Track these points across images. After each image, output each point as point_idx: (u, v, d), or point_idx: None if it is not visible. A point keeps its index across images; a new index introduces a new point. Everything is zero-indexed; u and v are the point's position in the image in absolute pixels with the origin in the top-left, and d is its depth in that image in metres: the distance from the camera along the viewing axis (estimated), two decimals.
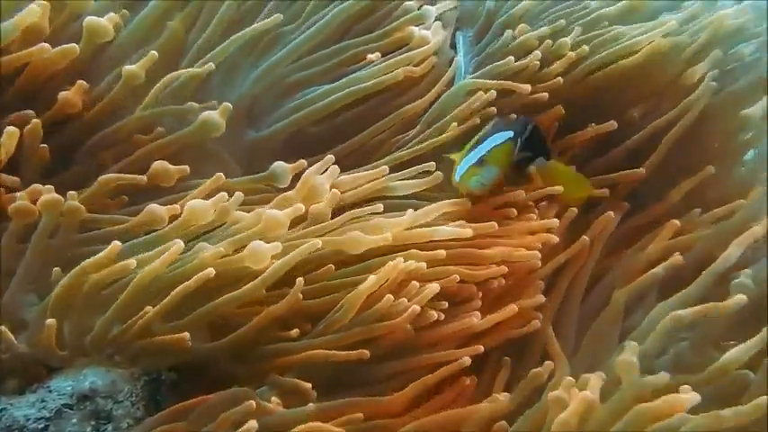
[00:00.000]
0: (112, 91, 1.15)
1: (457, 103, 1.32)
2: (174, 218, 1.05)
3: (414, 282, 1.07)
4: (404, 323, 1.05)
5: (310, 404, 1.00)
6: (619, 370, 0.94)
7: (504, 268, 1.15)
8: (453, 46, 1.45)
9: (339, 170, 1.13)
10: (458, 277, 1.10)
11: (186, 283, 0.98)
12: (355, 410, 1.01)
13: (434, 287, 1.07)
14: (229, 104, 1.14)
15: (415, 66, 1.34)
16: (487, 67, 1.36)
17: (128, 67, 1.13)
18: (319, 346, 1.04)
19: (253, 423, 0.93)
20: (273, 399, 1.00)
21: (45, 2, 1.09)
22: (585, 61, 1.38)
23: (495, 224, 1.20)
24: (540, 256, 1.19)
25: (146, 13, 1.21)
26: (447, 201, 1.20)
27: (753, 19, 1.46)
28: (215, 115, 1.14)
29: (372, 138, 1.33)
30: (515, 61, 1.34)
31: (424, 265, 1.08)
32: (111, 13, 1.14)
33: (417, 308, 1.04)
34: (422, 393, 1.07)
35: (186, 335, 0.99)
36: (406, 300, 1.06)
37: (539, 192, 1.28)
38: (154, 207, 1.05)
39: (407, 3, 1.38)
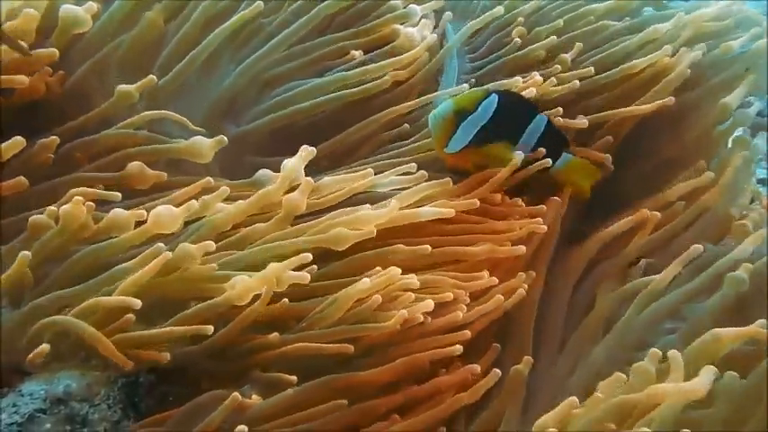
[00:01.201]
0: (103, 105, 1.12)
1: None
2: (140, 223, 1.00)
3: (409, 293, 1.05)
4: (393, 326, 1.02)
5: (289, 389, 0.97)
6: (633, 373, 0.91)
7: (495, 279, 1.13)
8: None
9: (315, 151, 1.09)
10: (451, 296, 1.08)
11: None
12: (336, 385, 0.99)
13: (429, 303, 1.05)
14: (225, 138, 1.10)
15: (401, 68, 1.32)
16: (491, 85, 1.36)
17: (122, 87, 1.10)
18: (303, 341, 1.01)
19: (243, 428, 0.91)
20: (254, 396, 0.98)
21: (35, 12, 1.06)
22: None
23: (477, 201, 1.17)
24: (524, 249, 1.17)
25: (122, 2, 1.17)
26: (428, 183, 1.16)
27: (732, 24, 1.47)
28: (206, 144, 1.09)
29: (357, 134, 1.31)
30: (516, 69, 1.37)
31: (415, 280, 1.06)
32: (91, 3, 1.10)
33: (405, 312, 1.02)
34: (412, 372, 1.04)
35: (167, 355, 0.96)
36: (397, 310, 1.03)
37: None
38: (118, 212, 0.99)
39: (392, 2, 1.36)
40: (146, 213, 0.99)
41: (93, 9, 1.10)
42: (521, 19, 1.44)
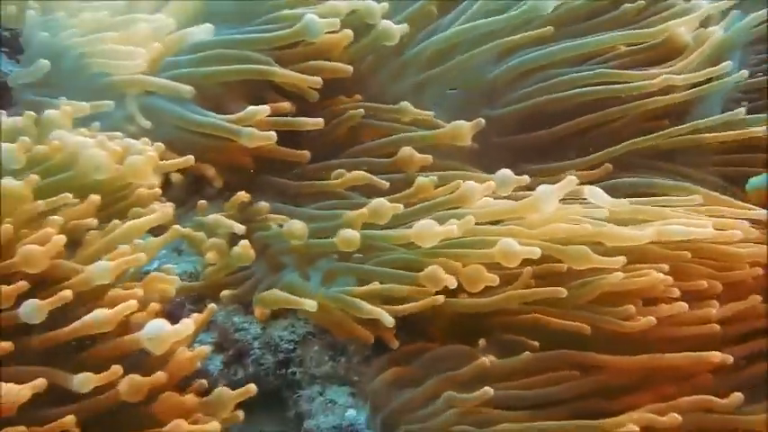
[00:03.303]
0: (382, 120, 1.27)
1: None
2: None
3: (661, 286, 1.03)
4: (638, 328, 1.01)
5: (526, 352, 1.03)
6: None
7: (759, 270, 1.05)
8: None
9: (576, 182, 1.06)
10: (705, 284, 1.04)
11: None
12: (570, 360, 1.03)
13: (682, 306, 1.02)
14: (482, 120, 1.19)
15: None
16: None
17: (404, 105, 1.25)
18: (545, 313, 1.05)
19: None
20: (491, 357, 1.04)
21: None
22: None
23: (740, 232, 1.08)
24: None
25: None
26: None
27: None
28: (465, 127, 1.20)
29: (611, 120, 1.30)
30: None
31: (670, 279, 1.03)
32: (405, 26, 1.25)
33: (653, 319, 1.00)
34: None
35: None
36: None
37: None
38: (381, 200, 1.08)
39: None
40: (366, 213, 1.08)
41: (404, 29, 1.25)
42: None
